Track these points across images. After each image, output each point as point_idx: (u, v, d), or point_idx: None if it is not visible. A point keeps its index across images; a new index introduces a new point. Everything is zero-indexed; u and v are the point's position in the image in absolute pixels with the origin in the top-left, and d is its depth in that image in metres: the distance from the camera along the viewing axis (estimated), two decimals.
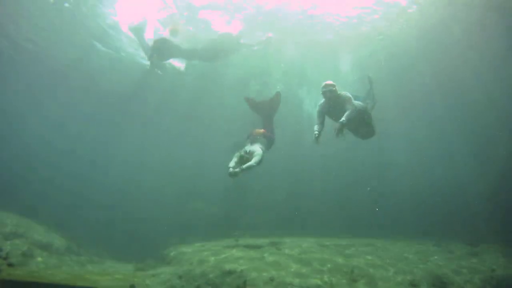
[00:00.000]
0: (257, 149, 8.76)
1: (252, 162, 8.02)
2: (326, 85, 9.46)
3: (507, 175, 17.74)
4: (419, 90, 20.83)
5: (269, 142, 9.67)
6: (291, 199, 21.69)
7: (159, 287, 11.25)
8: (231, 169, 7.75)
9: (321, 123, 9.55)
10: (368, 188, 21.40)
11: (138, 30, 17.19)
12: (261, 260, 11.95)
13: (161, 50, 16.86)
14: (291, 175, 23.37)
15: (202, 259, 12.24)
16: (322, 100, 9.72)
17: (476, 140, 21.26)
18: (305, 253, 12.64)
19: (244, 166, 7.85)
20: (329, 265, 11.64)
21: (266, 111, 10.63)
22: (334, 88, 9.45)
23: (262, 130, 9.80)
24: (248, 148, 8.97)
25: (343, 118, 8.88)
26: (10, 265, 10.62)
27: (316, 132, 9.24)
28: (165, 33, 17.98)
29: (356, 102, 9.63)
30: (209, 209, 19.58)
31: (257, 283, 10.67)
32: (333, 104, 9.46)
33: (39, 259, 13.20)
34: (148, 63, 19.19)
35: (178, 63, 22.00)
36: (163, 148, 26.89)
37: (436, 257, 12.96)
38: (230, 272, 11.17)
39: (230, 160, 8.39)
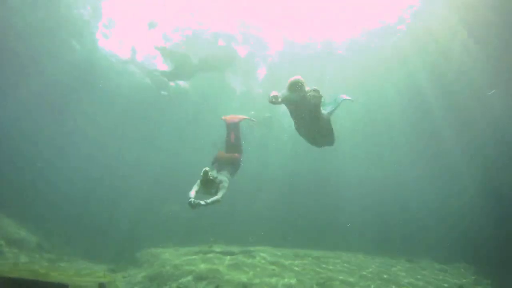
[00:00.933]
0: (223, 179, 7.49)
1: (218, 196, 6.97)
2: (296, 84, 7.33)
3: (481, 193, 18.14)
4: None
5: (236, 169, 8.31)
6: (274, 209, 21.76)
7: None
8: (192, 200, 6.68)
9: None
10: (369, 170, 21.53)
11: None
12: (234, 266, 11.99)
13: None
14: (275, 185, 23.44)
15: (174, 263, 12.20)
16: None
17: (450, 159, 21.76)
18: (277, 262, 12.73)
19: (209, 201, 6.75)
20: (299, 273, 11.78)
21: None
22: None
23: (230, 156, 8.37)
24: (214, 174, 7.56)
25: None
26: None
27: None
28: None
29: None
30: (186, 213, 19.47)
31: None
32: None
33: (10, 255, 13.00)
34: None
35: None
36: (140, 148, 26.80)
37: (405, 273, 13.20)
38: (202, 277, 11.19)
39: (191, 188, 7.13)
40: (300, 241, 16.35)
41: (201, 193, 7.19)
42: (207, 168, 7.13)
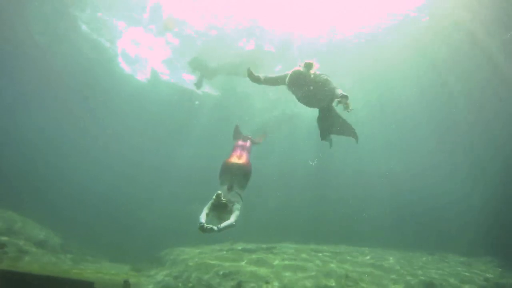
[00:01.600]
0: (236, 200, 6.61)
1: (232, 220, 6.22)
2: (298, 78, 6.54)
3: (503, 188, 17.86)
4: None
5: (247, 178, 7.22)
6: (287, 206, 21.78)
7: (153, 286, 11.32)
8: (203, 224, 5.97)
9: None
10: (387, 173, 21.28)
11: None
12: (256, 263, 12.03)
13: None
14: (285, 182, 23.44)
15: (197, 262, 12.28)
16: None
17: (472, 153, 21.46)
18: (300, 258, 12.74)
19: (222, 226, 6.00)
20: (322, 270, 11.76)
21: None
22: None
23: (239, 164, 7.26)
24: (225, 195, 6.57)
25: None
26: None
27: None
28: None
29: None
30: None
31: (251, 285, 10.75)
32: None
33: (35, 255, 13.20)
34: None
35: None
36: (163, 149, 27.04)
37: (430, 265, 13.08)
38: (224, 274, 11.24)
39: (201, 212, 6.37)
40: (321, 237, 16.28)
41: (212, 216, 6.45)
42: (220, 192, 6.38)
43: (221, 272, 11.32)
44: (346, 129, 7.51)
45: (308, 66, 6.43)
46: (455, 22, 15.42)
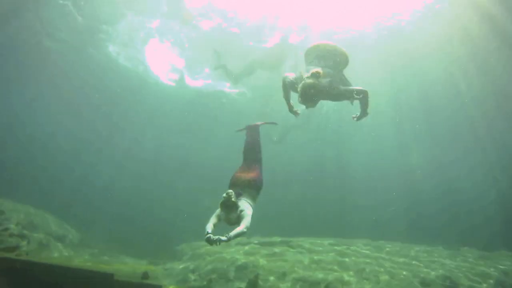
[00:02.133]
0: (245, 207, 6.04)
1: (243, 227, 5.63)
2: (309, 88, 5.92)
3: None
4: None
5: (257, 191, 6.61)
6: (305, 200, 21.76)
7: (172, 279, 11.45)
8: (210, 235, 5.41)
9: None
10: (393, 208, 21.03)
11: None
12: (273, 256, 12.10)
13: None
14: (306, 175, 23.39)
15: (214, 255, 12.38)
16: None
17: (490, 145, 21.23)
18: (317, 251, 12.78)
19: (232, 234, 5.43)
20: (339, 263, 11.78)
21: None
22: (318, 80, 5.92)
23: (249, 177, 6.60)
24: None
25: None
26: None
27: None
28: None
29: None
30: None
31: (269, 277, 10.83)
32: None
33: (55, 249, 13.45)
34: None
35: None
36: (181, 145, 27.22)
37: (447, 259, 12.99)
38: (241, 267, 11.33)
39: (208, 221, 5.85)
40: (338, 231, 16.25)
41: (220, 220, 5.92)
42: (231, 191, 5.90)
43: (238, 265, 11.41)
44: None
45: (316, 75, 5.85)
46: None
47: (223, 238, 5.31)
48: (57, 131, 24.49)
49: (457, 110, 20.96)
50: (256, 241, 13.70)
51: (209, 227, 5.65)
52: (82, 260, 12.79)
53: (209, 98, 23.78)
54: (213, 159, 24.36)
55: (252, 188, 6.42)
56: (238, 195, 6.13)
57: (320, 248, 13.09)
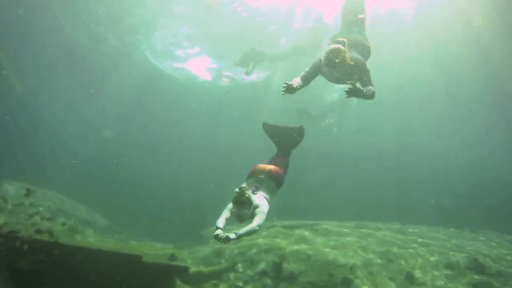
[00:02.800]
0: (260, 202, 5.54)
1: (255, 225, 5.12)
2: (333, 53, 5.96)
3: None
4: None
5: (277, 185, 6.12)
6: (328, 183, 21.66)
7: (197, 262, 11.64)
8: (220, 232, 4.99)
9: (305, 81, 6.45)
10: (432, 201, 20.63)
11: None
12: (298, 239, 12.17)
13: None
14: (327, 158, 23.25)
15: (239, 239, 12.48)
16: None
17: None
18: (341, 234, 12.80)
19: (242, 232, 4.94)
20: (364, 246, 11.78)
21: (286, 140, 6.96)
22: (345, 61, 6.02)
23: (271, 167, 6.19)
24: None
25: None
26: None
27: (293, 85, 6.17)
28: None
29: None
30: None
31: (293, 260, 10.91)
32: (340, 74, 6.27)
33: (84, 234, 13.83)
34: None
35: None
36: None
37: (472, 242, 12.84)
38: (266, 250, 11.43)
39: (220, 214, 5.45)
40: (362, 214, 16.13)
41: (232, 216, 5.44)
42: (244, 185, 5.46)
43: (263, 248, 11.52)
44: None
45: (342, 42, 6.07)
46: None
47: (232, 235, 4.86)
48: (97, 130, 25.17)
49: (480, 92, 20.54)
50: (280, 225, 13.77)
51: (221, 222, 5.30)
52: (110, 243, 13.12)
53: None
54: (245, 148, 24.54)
55: (273, 180, 6.02)
56: (256, 188, 5.80)
57: (346, 231, 13.13)
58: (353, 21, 7.32)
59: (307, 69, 6.47)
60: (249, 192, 5.42)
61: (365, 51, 6.76)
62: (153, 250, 11.45)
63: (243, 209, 5.30)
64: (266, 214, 5.39)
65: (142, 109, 26.01)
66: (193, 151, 26.05)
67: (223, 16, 18.96)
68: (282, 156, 6.74)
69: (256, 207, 5.41)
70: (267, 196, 5.76)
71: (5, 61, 20.20)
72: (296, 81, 6.27)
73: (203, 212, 17.62)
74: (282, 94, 6.16)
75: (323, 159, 22.89)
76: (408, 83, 21.16)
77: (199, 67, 24.45)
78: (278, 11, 18.12)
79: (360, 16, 7.32)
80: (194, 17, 19.50)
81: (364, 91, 6.03)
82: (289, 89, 6.09)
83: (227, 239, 4.88)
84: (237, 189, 5.29)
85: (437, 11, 16.55)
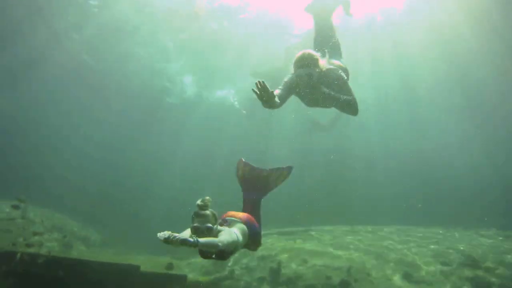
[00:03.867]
0: (228, 230, 4.29)
1: (216, 240, 3.88)
2: (304, 60, 5.23)
3: None
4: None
5: (251, 234, 4.72)
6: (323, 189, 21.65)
7: (196, 271, 11.61)
8: (165, 234, 3.54)
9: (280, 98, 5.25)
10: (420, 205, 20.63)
11: None
12: (293, 245, 12.21)
13: None
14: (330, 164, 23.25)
15: None
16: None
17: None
18: (336, 238, 12.87)
19: (202, 240, 3.60)
20: (361, 248, 11.88)
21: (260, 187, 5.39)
22: (317, 66, 5.28)
23: (243, 214, 4.86)
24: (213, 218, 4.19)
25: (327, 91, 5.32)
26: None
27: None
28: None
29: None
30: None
31: (290, 265, 10.94)
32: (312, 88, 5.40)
33: (78, 249, 13.72)
34: None
35: None
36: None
37: (466, 240, 12.96)
38: (263, 257, 11.46)
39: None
40: (350, 217, 16.13)
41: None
42: (208, 197, 4.27)
43: (259, 255, 11.52)
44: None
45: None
46: None
47: (190, 239, 3.50)
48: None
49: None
50: (275, 232, 13.81)
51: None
52: (106, 257, 13.02)
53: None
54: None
55: (247, 225, 4.62)
56: (225, 222, 4.54)
57: (341, 235, 13.21)
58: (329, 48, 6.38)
59: (279, 87, 5.44)
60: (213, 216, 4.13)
61: (344, 71, 5.77)
62: (151, 261, 11.44)
63: (205, 223, 3.99)
64: (234, 240, 4.17)
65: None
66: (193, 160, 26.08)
67: None
68: (252, 209, 5.17)
69: (219, 231, 4.15)
70: (239, 232, 4.41)
71: None
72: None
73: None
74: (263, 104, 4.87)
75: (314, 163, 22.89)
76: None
77: None
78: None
79: (333, 40, 6.64)
80: None
81: (340, 97, 5.29)
82: (264, 90, 4.67)
83: (183, 242, 3.48)
84: (199, 201, 4.12)
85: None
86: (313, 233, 13.38)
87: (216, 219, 4.11)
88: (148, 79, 23.08)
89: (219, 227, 4.16)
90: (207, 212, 4.06)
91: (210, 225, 3.94)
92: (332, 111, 6.38)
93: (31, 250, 9.75)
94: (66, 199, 18.05)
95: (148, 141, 26.89)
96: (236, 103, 24.93)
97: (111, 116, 24.64)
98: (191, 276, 10.83)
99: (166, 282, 9.91)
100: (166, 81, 23.74)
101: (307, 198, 18.92)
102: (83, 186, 21.76)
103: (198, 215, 4.00)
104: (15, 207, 12.02)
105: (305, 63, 5.18)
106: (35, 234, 11.73)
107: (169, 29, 19.49)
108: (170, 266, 10.28)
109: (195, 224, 3.92)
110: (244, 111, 23.88)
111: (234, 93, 24.78)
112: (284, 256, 11.32)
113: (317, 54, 5.33)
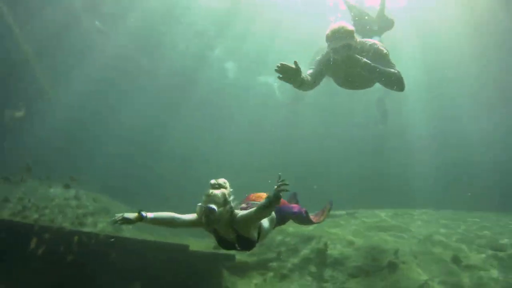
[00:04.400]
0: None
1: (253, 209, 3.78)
2: (339, 33, 4.83)
3: None
4: None
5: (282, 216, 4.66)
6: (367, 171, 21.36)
7: (239, 255, 11.76)
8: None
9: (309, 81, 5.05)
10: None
11: None
12: (339, 227, 12.22)
13: None
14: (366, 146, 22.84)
15: (281, 228, 12.55)
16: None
17: None
18: (382, 221, 12.79)
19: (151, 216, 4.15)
20: (406, 231, 11.78)
21: None
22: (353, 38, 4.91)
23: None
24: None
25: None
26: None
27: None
28: None
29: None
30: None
31: (336, 246, 10.96)
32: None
33: (128, 231, 14.10)
34: None
35: None
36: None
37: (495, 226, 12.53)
38: (309, 238, 11.51)
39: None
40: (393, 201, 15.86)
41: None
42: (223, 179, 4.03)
43: (305, 237, 11.58)
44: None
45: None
46: None
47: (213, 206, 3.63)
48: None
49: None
50: None
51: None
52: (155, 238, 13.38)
53: None
54: None
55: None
56: (248, 205, 4.27)
57: (385, 218, 13.11)
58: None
59: (311, 67, 5.27)
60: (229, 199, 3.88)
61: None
62: (199, 242, 11.66)
63: (209, 203, 3.69)
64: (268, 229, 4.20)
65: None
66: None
67: None
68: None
69: (237, 214, 3.92)
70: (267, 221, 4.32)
71: None
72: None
73: None
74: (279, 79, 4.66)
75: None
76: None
77: None
78: None
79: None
80: None
81: (384, 69, 4.89)
82: (285, 71, 4.53)
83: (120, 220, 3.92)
84: (213, 180, 3.91)
85: None
86: (359, 215, 13.32)
87: (226, 201, 3.79)
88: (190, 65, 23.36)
89: (236, 211, 3.91)
90: (216, 192, 3.78)
91: (212, 206, 3.64)
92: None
93: (86, 229, 10.13)
94: (111, 183, 18.51)
95: (185, 128, 27.15)
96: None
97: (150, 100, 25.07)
98: (238, 257, 10.95)
99: (215, 260, 10.14)
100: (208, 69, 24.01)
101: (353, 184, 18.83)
102: (129, 172, 22.23)
103: (207, 195, 3.78)
104: (67, 186, 12.55)
105: (340, 35, 4.80)
106: (88, 214, 12.19)
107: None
108: (217, 246, 10.43)
109: (199, 204, 3.76)
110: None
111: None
112: (330, 238, 11.33)
113: (351, 26, 4.94)
